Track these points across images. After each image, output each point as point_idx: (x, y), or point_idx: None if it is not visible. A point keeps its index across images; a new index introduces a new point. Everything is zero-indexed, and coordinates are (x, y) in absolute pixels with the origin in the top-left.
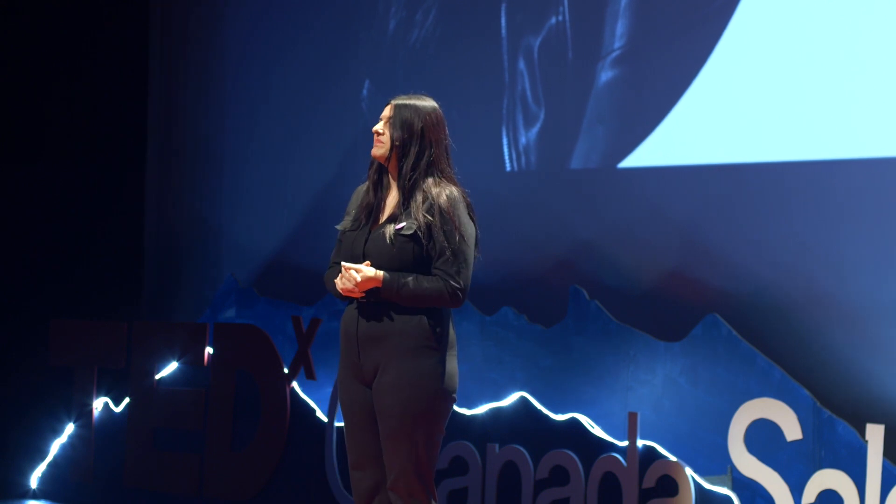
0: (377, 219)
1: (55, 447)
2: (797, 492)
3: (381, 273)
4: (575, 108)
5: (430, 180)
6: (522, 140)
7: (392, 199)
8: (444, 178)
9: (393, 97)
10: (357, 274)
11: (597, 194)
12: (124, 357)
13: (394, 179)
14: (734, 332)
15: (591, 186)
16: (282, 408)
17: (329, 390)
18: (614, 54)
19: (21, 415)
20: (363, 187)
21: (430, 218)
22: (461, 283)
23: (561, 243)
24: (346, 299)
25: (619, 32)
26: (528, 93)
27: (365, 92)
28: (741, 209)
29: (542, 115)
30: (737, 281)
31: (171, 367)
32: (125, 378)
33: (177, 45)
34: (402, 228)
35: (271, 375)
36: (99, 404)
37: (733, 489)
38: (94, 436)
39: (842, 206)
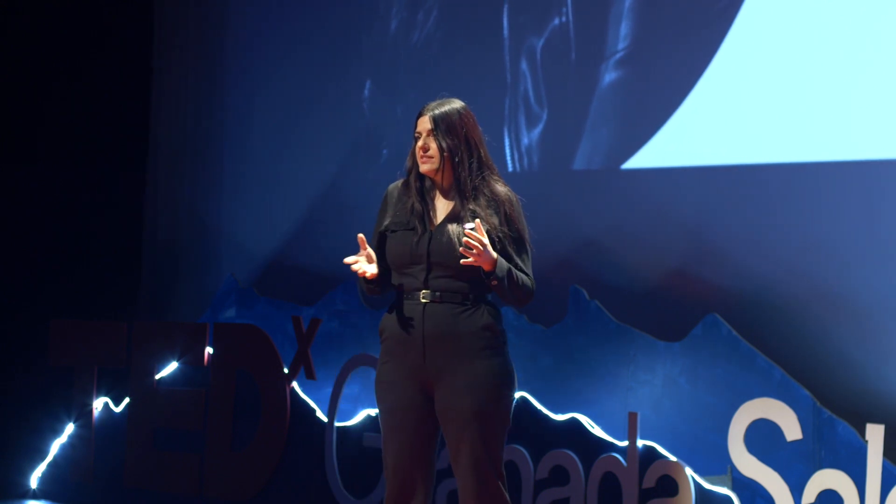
0: (431, 221)
1: (55, 447)
2: (797, 492)
3: (494, 253)
4: (578, 109)
5: (486, 180)
6: (525, 141)
7: (441, 201)
8: (494, 175)
9: (423, 108)
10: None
11: (599, 195)
12: (124, 357)
13: (441, 185)
14: (734, 332)
15: (594, 187)
16: (282, 408)
17: (329, 390)
18: (618, 55)
19: (21, 415)
20: (396, 188)
21: (497, 222)
22: (534, 281)
23: (562, 243)
24: (396, 296)
25: (622, 34)
26: (531, 93)
27: (366, 92)
28: (743, 210)
29: (544, 116)
30: (737, 281)
31: (171, 367)
32: (125, 378)
33: (178, 46)
34: (473, 228)
35: (271, 375)
36: (99, 404)
37: (733, 489)
38: (94, 436)
39: (843, 208)
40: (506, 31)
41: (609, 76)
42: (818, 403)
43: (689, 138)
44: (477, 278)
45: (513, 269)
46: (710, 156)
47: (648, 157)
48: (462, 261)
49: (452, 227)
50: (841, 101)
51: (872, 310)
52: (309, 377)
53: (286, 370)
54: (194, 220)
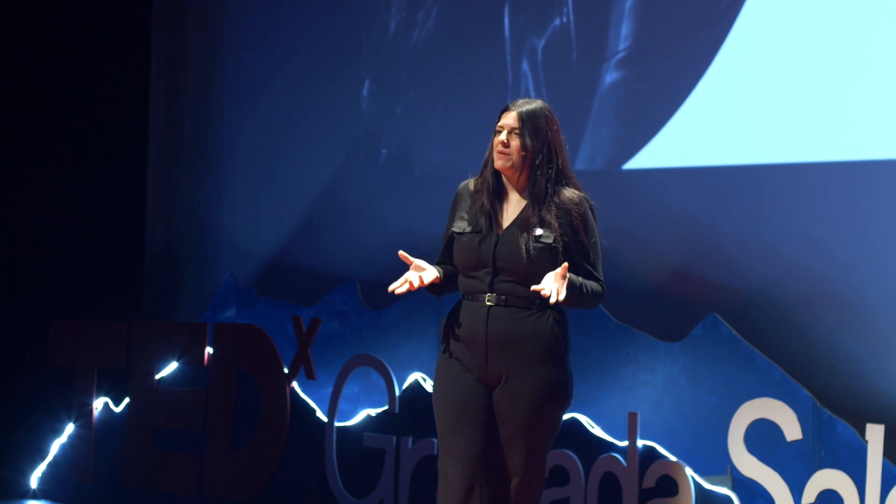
0: (499, 223)
1: (55, 447)
2: (797, 492)
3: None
4: (579, 110)
5: (559, 187)
6: None
7: (513, 202)
8: (569, 183)
9: (510, 103)
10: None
11: (601, 195)
12: (124, 357)
13: (514, 185)
14: (734, 332)
15: (595, 188)
16: (282, 408)
17: (329, 390)
18: (619, 56)
19: (21, 415)
20: (469, 187)
21: (563, 232)
22: (604, 283)
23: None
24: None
25: (623, 34)
26: (532, 94)
27: (365, 92)
28: (744, 211)
29: None
30: (737, 281)
31: (171, 367)
32: (125, 378)
33: (178, 46)
34: (540, 236)
35: (271, 375)
36: (99, 404)
37: (733, 489)
38: (94, 436)
39: (843, 208)
40: (507, 32)
41: (610, 77)
42: (818, 403)
43: (690, 139)
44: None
45: (584, 283)
46: (710, 156)
47: (649, 157)
48: (534, 289)
49: (522, 235)
50: (841, 102)
51: (872, 309)
52: (309, 377)
53: (286, 370)
54: (194, 220)
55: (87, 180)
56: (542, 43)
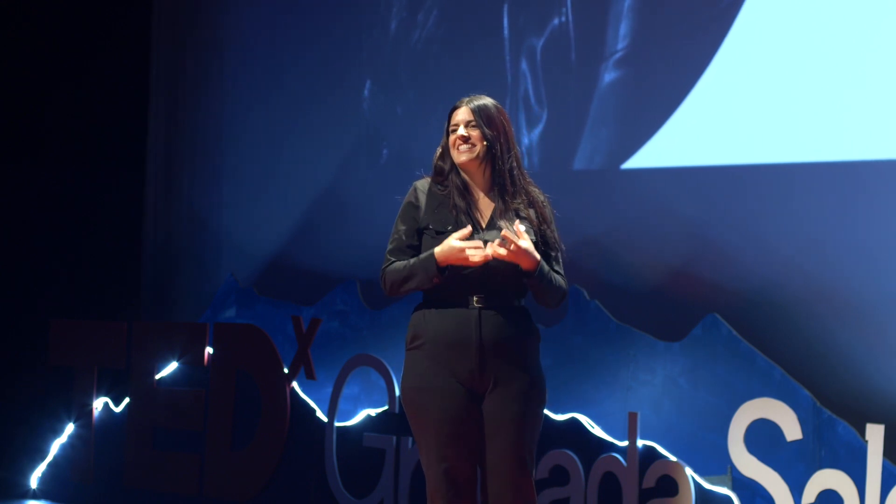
0: (478, 221)
1: (55, 447)
2: (797, 492)
3: (537, 255)
4: (578, 110)
5: (523, 180)
6: (525, 141)
7: (482, 200)
8: (527, 176)
9: (457, 102)
10: (520, 241)
11: (599, 195)
12: (124, 357)
13: (479, 184)
14: (734, 332)
15: (594, 187)
16: (282, 408)
17: (329, 390)
18: (617, 55)
19: (21, 415)
20: (426, 184)
21: (539, 224)
22: (567, 281)
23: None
24: (456, 289)
25: (622, 33)
26: (531, 94)
27: (366, 92)
28: (744, 211)
29: (544, 117)
30: (737, 281)
31: (171, 367)
32: (125, 378)
33: (178, 46)
34: (524, 231)
35: (271, 375)
36: (99, 404)
37: (733, 489)
38: (94, 436)
39: (843, 208)
40: (506, 32)
41: (609, 76)
42: (818, 403)
43: (689, 138)
44: (523, 284)
45: (551, 270)
46: (710, 156)
47: (648, 156)
48: (494, 252)
49: (508, 229)
50: (841, 102)
51: (872, 309)
52: (309, 377)
53: (286, 370)
54: (194, 220)
55: (87, 180)
56: (540, 43)
